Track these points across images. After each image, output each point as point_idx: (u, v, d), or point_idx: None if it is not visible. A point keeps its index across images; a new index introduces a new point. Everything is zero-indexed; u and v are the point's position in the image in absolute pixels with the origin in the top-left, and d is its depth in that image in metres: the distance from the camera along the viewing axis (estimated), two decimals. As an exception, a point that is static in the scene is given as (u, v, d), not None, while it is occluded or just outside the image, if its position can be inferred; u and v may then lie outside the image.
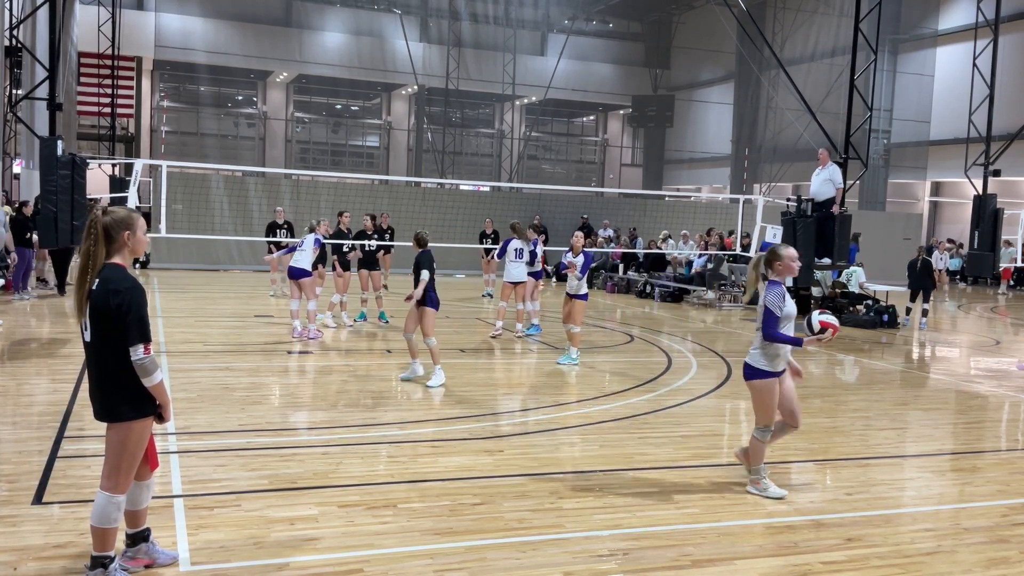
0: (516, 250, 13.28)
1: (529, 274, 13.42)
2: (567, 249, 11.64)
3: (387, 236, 17.55)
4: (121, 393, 4.12)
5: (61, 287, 16.15)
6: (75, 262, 20.22)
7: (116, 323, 4.05)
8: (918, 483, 6.72)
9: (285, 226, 17.47)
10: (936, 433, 8.45)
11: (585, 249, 11.31)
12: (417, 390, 9.15)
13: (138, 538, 4.45)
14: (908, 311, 16.85)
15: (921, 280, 16.46)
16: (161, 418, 4.26)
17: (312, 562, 4.61)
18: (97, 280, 4.11)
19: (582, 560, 4.79)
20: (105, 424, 4.25)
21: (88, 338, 4.17)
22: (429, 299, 9.29)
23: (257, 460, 6.40)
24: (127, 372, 4.08)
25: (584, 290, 11.17)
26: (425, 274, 9.19)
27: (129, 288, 4.07)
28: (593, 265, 23.56)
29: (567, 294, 11.19)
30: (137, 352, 4.04)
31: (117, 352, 4.07)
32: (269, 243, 16.97)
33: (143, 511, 4.46)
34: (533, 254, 13.42)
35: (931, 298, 16.91)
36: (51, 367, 9.54)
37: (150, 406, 4.18)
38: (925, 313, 16.66)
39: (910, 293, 16.83)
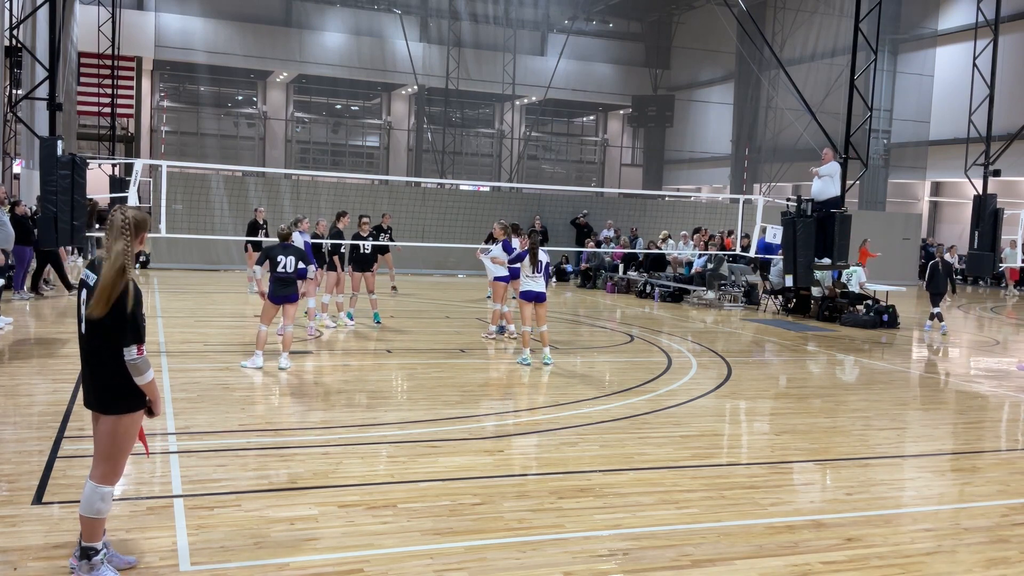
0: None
1: (502, 277, 13.12)
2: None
3: (385, 236, 17.61)
4: (114, 388, 4.21)
5: (68, 286, 16.21)
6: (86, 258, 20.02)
7: (114, 321, 4.11)
8: (918, 483, 6.72)
9: (264, 225, 17.61)
10: (936, 433, 8.45)
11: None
12: (412, 386, 9.15)
13: None
14: (932, 317, 16.14)
15: (942, 284, 16.02)
16: (151, 412, 4.36)
17: (312, 562, 4.61)
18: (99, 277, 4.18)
19: (582, 560, 4.79)
20: (92, 414, 4.36)
21: (83, 330, 4.25)
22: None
23: (257, 460, 6.40)
24: (121, 368, 4.16)
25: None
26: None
27: (131, 289, 4.14)
28: (588, 266, 23.63)
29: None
30: (131, 353, 4.13)
31: (112, 348, 4.15)
32: (248, 243, 17.22)
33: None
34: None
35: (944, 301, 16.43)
36: (51, 367, 9.54)
37: (141, 400, 4.28)
38: (941, 317, 16.11)
39: (931, 298, 16.14)
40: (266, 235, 17.35)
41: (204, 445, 6.72)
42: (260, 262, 10.24)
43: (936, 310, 16.11)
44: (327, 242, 13.21)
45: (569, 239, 25.67)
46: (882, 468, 6.99)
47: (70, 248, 18.92)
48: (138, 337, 4.14)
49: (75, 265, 19.78)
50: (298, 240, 12.50)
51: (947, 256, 16.67)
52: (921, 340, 15.42)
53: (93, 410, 4.33)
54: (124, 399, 4.23)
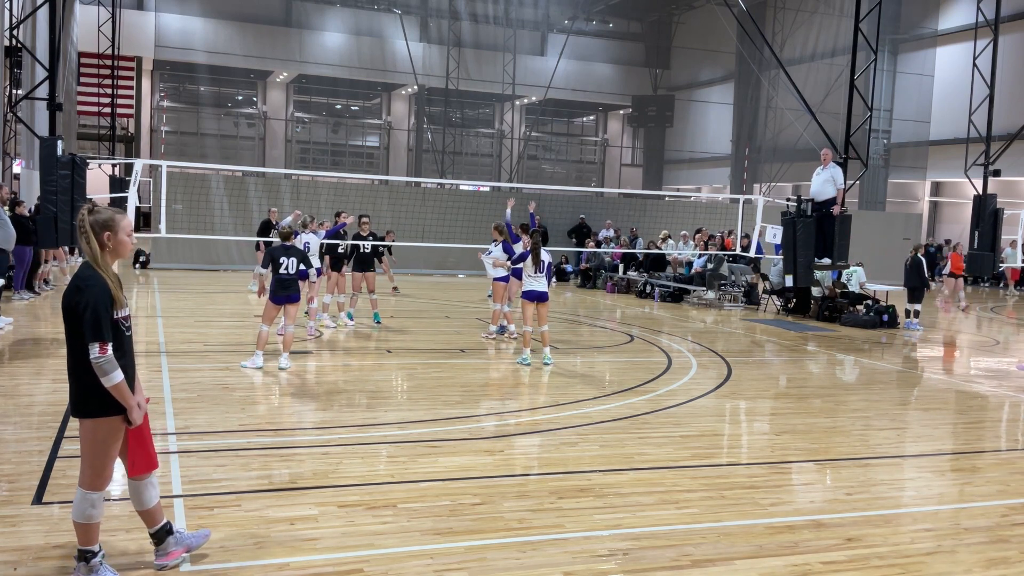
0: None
1: (502, 277, 13.09)
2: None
3: (385, 250, 17.79)
4: (86, 389, 4.12)
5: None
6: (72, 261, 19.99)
7: (77, 320, 4.06)
8: (918, 483, 6.71)
9: (277, 226, 17.41)
10: (936, 433, 8.45)
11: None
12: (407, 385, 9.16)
13: (162, 534, 4.47)
14: (908, 313, 16.71)
15: (909, 278, 16.63)
16: (129, 421, 4.21)
17: (312, 562, 4.61)
18: (73, 276, 4.19)
19: (582, 560, 4.79)
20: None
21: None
22: None
23: (257, 460, 6.40)
24: (90, 369, 4.07)
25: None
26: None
27: (91, 286, 4.08)
28: (588, 266, 23.62)
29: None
30: (93, 351, 4.02)
31: (82, 349, 4.08)
32: (260, 242, 17.03)
33: (155, 508, 4.47)
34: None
35: (922, 298, 16.86)
36: (51, 367, 9.54)
37: (116, 406, 4.15)
38: (917, 314, 16.59)
39: (908, 294, 16.72)
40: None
41: (204, 445, 6.72)
42: (264, 264, 10.28)
43: (907, 307, 16.60)
44: (348, 243, 13.34)
45: (569, 239, 25.70)
46: (882, 468, 6.99)
47: (68, 248, 18.91)
48: (97, 335, 4.02)
49: (75, 266, 19.77)
50: (313, 240, 12.56)
51: (917, 253, 17.03)
52: (922, 339, 15.42)
53: (72, 415, 4.25)
54: (95, 402, 4.12)
